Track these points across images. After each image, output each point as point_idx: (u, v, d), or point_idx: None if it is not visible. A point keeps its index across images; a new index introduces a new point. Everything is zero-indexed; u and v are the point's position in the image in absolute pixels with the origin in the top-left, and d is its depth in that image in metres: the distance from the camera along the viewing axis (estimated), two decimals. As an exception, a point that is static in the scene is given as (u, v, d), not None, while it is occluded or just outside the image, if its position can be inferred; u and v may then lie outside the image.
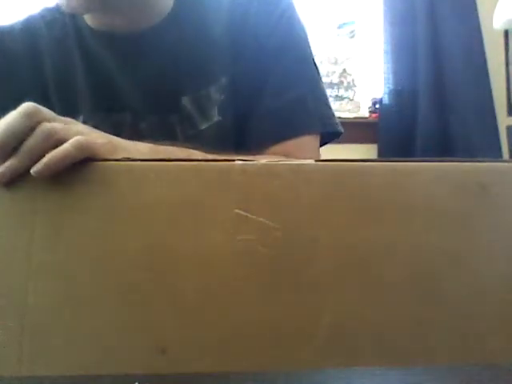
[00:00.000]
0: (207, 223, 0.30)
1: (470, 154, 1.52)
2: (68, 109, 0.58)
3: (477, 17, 1.64)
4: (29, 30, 0.61)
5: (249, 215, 0.30)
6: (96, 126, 0.57)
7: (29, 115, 0.32)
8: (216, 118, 0.58)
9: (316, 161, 0.32)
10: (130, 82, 0.58)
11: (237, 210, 0.30)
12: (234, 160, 0.31)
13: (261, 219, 0.30)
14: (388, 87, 1.73)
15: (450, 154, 1.54)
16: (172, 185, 0.31)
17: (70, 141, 0.31)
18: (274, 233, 0.30)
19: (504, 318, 0.31)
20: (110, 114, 0.58)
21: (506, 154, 1.61)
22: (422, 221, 0.32)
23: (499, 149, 1.61)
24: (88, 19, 0.57)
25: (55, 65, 0.59)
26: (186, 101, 0.58)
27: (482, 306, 0.31)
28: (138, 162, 0.31)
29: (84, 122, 0.57)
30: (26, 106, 0.32)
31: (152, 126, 0.58)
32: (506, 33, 1.70)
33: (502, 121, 1.64)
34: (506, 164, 0.34)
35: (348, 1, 1.87)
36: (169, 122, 0.58)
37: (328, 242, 0.31)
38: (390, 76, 1.72)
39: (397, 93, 1.71)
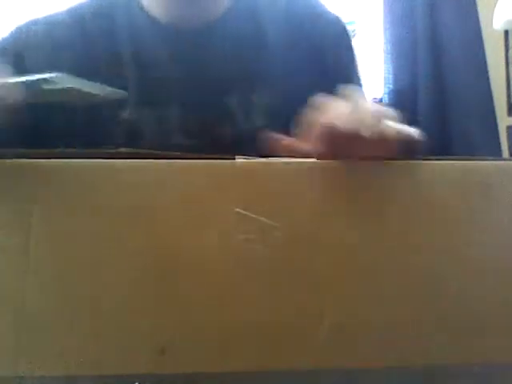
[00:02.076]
0: (207, 223, 0.30)
1: (470, 153, 1.51)
2: (114, 103, 0.58)
3: (477, 17, 1.64)
4: (77, 19, 0.60)
5: (249, 215, 0.30)
6: (140, 121, 0.57)
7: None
8: (259, 122, 0.58)
9: (316, 160, 0.32)
10: (179, 77, 0.58)
11: (237, 210, 0.30)
12: (234, 158, 0.31)
13: (261, 219, 0.30)
14: (388, 87, 1.72)
15: (450, 153, 1.54)
16: (172, 185, 0.31)
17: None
18: (274, 233, 0.30)
19: (505, 317, 0.31)
20: (155, 108, 0.58)
21: (505, 154, 1.61)
22: (423, 220, 0.32)
23: (499, 149, 1.60)
24: (156, 10, 0.57)
25: (102, 58, 0.59)
26: (230, 101, 0.58)
27: (483, 306, 0.31)
28: (138, 162, 0.31)
29: (129, 116, 0.57)
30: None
31: (195, 122, 0.58)
32: (506, 33, 1.70)
33: (502, 121, 1.64)
34: (509, 163, 0.34)
35: (348, 1, 1.87)
36: (211, 121, 0.58)
37: (328, 241, 0.31)
38: (390, 76, 1.72)
39: (397, 93, 1.71)
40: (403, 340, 0.30)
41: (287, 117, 0.58)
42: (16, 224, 0.30)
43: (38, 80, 0.34)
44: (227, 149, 0.32)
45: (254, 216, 0.30)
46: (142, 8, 0.58)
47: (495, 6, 1.42)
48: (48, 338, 0.28)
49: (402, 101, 1.69)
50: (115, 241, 0.30)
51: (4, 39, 0.59)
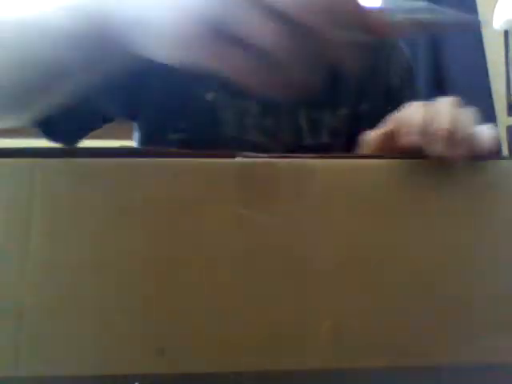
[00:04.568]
0: (207, 223, 0.30)
1: (470, 154, 1.51)
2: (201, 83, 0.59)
3: (477, 17, 1.64)
4: None
5: (249, 215, 0.30)
6: (221, 107, 0.57)
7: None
8: (324, 139, 0.61)
9: (317, 160, 0.32)
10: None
11: (237, 210, 0.30)
12: (234, 157, 0.31)
13: (261, 219, 0.30)
14: (388, 87, 1.72)
15: (450, 154, 1.53)
16: (172, 184, 0.31)
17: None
18: (274, 233, 0.30)
19: (505, 317, 0.31)
20: (237, 99, 0.59)
21: (506, 155, 1.61)
22: (424, 220, 0.32)
23: (499, 149, 1.61)
24: None
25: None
26: (300, 114, 0.61)
27: (484, 306, 0.31)
28: (138, 161, 0.31)
29: (212, 99, 0.58)
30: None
31: (269, 124, 0.60)
32: (506, 33, 1.70)
33: (502, 121, 1.64)
34: (509, 163, 0.33)
35: (348, 1, 1.87)
36: (283, 128, 0.60)
37: (328, 241, 0.31)
38: (390, 76, 1.71)
39: (396, 93, 1.70)
40: (403, 340, 0.30)
41: (349, 139, 0.60)
42: (16, 224, 0.30)
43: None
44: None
45: (254, 216, 0.30)
46: None
47: (495, 6, 1.42)
48: (48, 338, 0.28)
49: (402, 101, 1.69)
50: (115, 241, 0.30)
51: None
